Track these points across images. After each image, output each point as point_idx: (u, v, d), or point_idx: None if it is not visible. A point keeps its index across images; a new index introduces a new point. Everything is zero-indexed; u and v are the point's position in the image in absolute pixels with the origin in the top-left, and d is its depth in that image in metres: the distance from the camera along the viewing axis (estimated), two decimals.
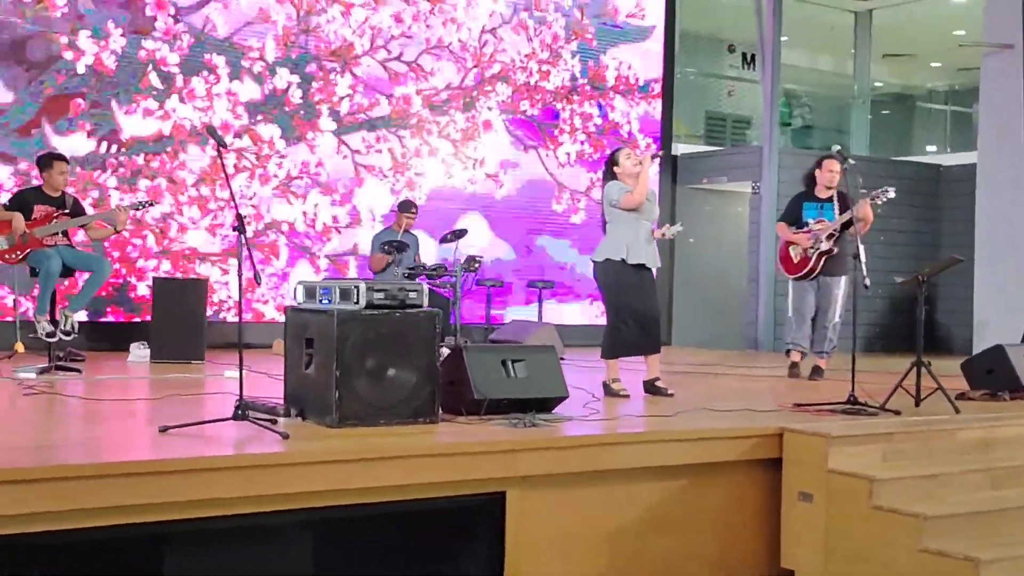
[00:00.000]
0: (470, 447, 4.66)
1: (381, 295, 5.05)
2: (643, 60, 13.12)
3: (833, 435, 5.24)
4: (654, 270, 6.82)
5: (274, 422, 4.85)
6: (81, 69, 9.75)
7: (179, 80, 10.18)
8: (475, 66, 11.84)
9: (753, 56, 15.16)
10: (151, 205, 8.27)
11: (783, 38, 13.64)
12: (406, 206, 9.89)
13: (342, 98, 11.02)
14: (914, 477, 5.24)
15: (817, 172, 8.46)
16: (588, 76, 12.67)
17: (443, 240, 9.56)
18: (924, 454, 5.55)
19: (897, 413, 5.98)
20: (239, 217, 4.79)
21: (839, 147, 6.51)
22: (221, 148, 4.95)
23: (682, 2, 13.76)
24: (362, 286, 5.01)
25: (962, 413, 6.16)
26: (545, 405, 5.58)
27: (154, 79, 10.07)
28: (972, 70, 13.19)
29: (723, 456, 5.32)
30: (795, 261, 8.47)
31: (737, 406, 6.18)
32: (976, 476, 5.44)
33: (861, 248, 6.22)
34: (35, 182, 8.44)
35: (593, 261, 6.90)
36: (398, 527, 4.60)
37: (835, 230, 8.22)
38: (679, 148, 13.97)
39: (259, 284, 4.98)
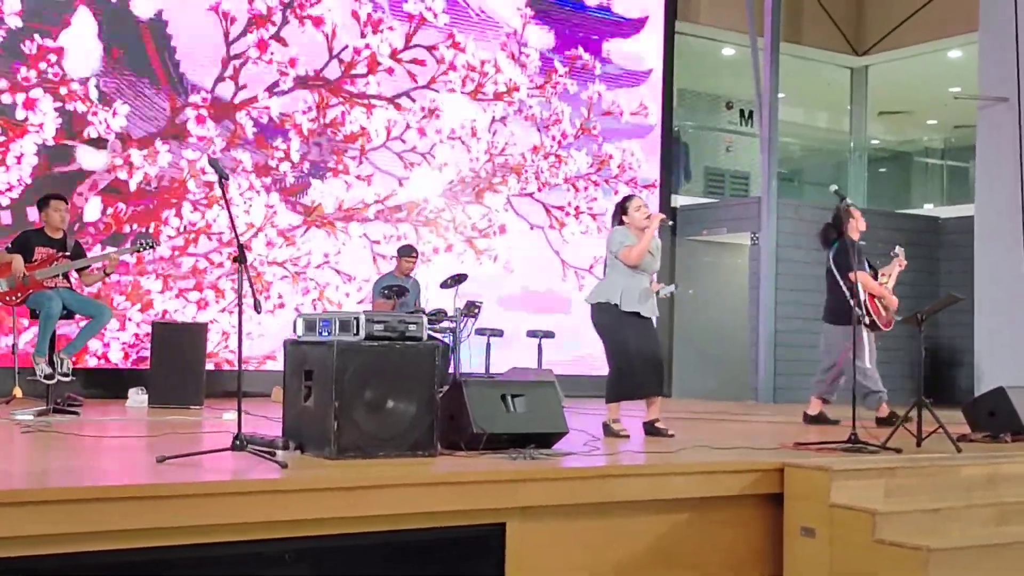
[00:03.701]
0: (469, 476, 4.63)
1: (381, 327, 5.05)
2: (644, 151, 13.30)
3: (835, 469, 5.21)
4: (653, 319, 6.81)
5: (272, 454, 4.82)
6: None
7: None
8: (488, 160, 12.07)
9: (751, 112, 15.30)
10: (152, 247, 8.27)
11: (781, 95, 13.78)
12: (406, 251, 9.89)
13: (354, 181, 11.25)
14: (918, 511, 5.19)
15: (848, 222, 8.15)
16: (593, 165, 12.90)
17: (444, 285, 9.56)
18: (928, 489, 5.50)
19: (898, 451, 5.94)
20: (240, 247, 4.80)
21: (836, 187, 6.54)
22: (223, 180, 4.98)
23: (681, 61, 13.92)
24: (362, 318, 5.01)
25: (964, 452, 6.12)
26: (545, 441, 5.54)
27: (191, 185, 10.33)
28: (968, 127, 13.29)
29: (725, 490, 5.28)
30: (883, 314, 8.25)
31: (738, 445, 6.15)
32: (982, 511, 5.39)
33: (860, 288, 6.22)
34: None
35: (588, 303, 6.89)
36: (396, 558, 4.54)
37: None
38: (679, 200, 14.04)
39: (259, 312, 4.97)
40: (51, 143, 9.69)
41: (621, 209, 6.88)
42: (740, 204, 14.11)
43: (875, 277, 8.33)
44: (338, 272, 11.11)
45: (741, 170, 16.37)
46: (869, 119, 16.58)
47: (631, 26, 13.32)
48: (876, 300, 8.23)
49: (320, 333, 5.15)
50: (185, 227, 10.28)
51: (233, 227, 4.89)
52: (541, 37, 12.54)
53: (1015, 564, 4.97)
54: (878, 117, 17.84)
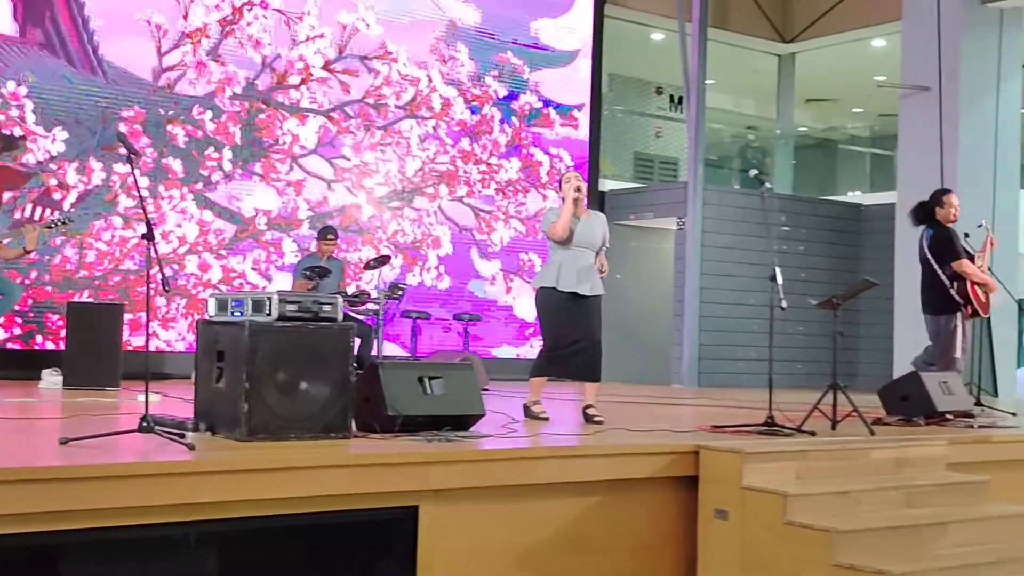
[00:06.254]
0: (381, 458, 4.60)
1: (294, 307, 4.99)
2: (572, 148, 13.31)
3: (748, 452, 5.25)
4: (598, 298, 6.68)
5: (181, 436, 4.74)
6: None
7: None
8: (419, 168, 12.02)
9: (681, 98, 15.38)
10: (66, 223, 8.07)
11: (710, 81, 13.86)
12: (324, 232, 9.77)
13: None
14: (828, 493, 5.26)
15: (938, 209, 8.07)
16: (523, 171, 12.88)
17: (367, 267, 9.48)
18: (838, 472, 5.58)
19: (812, 434, 6.02)
20: (148, 223, 4.71)
21: (756, 171, 6.58)
22: (132, 155, 4.87)
23: (610, 45, 13.92)
24: (275, 297, 4.94)
25: (877, 435, 6.22)
26: (462, 423, 5.52)
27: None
28: (892, 116, 13.49)
29: (639, 473, 5.30)
30: (983, 300, 7.95)
31: (656, 428, 6.18)
32: (890, 494, 5.47)
33: (778, 271, 6.26)
34: None
35: (533, 288, 6.85)
36: (306, 542, 4.50)
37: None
38: (606, 184, 14.08)
39: (166, 291, 4.88)
40: None
41: (558, 185, 6.86)
42: (667, 189, 14.20)
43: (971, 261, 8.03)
44: (270, 281, 11.01)
45: (670, 156, 16.48)
46: (796, 107, 16.75)
47: (560, 7, 13.30)
48: (977, 287, 7.92)
49: (232, 313, 5.07)
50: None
51: (142, 203, 4.79)
52: (470, 15, 12.47)
53: (918, 546, 5.06)
54: (805, 105, 18.06)
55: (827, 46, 15.71)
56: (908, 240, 12.07)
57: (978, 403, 8.02)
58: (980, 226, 8.47)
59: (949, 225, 8.03)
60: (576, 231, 6.60)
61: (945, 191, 8.19)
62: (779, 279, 6.23)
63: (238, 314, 5.02)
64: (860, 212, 14.67)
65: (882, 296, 12.06)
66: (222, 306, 5.16)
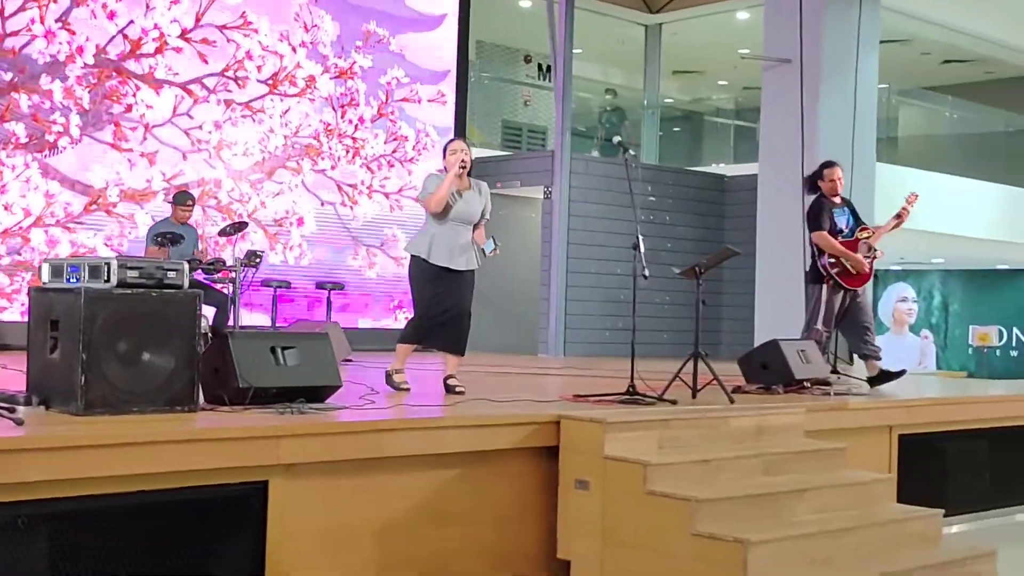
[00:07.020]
0: (227, 432, 4.37)
1: (135, 273, 4.70)
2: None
3: (609, 421, 5.18)
4: (471, 272, 6.49)
5: (12, 410, 4.43)
6: None
7: None
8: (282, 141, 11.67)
9: (550, 67, 15.30)
10: None
11: (578, 50, 13.80)
12: (181, 198, 9.34)
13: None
14: (688, 462, 5.23)
15: (820, 182, 8.02)
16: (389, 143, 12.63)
17: (222, 233, 9.14)
18: (699, 441, 5.56)
19: (674, 403, 6.00)
20: None
21: (619, 138, 6.49)
22: None
23: (479, 11, 13.74)
24: (113, 263, 4.64)
25: (736, 404, 6.23)
26: (317, 394, 5.32)
27: None
28: (756, 89, 13.64)
29: (499, 444, 5.18)
30: (855, 273, 7.83)
31: (518, 398, 6.08)
32: (750, 462, 5.48)
33: (640, 239, 6.21)
34: None
35: (407, 253, 6.63)
36: (146, 522, 4.24)
37: (886, 232, 8.06)
38: (473, 152, 13.86)
39: None
40: None
41: (444, 150, 6.58)
42: (533, 157, 14.13)
43: (849, 232, 7.94)
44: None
45: (539, 125, 16.42)
46: (663, 78, 16.85)
47: None
48: (844, 260, 7.81)
49: (68, 280, 4.75)
50: None
51: None
52: None
53: (775, 513, 5.07)
54: (672, 76, 18.20)
55: (693, 17, 15.83)
56: (770, 211, 12.28)
57: (834, 371, 8.14)
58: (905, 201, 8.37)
59: (832, 197, 8.02)
60: (454, 207, 6.36)
61: (828, 164, 8.18)
62: (642, 247, 6.18)
63: (74, 280, 4.71)
64: (724, 183, 14.84)
65: (745, 266, 12.22)
66: (57, 272, 4.84)
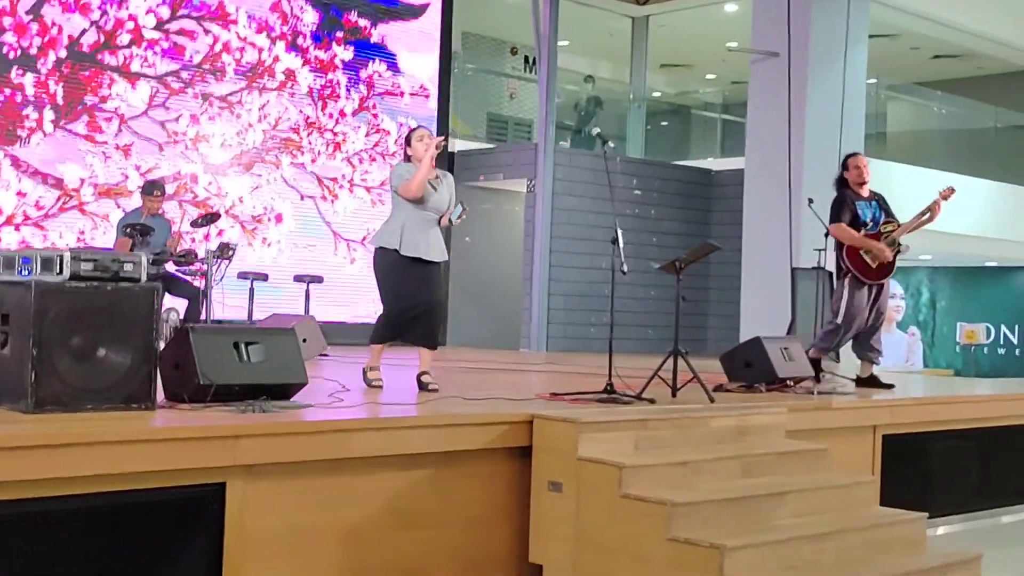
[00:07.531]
0: (183, 432, 4.19)
1: (90, 265, 4.51)
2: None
3: (583, 422, 5.02)
4: (439, 264, 6.38)
5: None
6: None
7: None
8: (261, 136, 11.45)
9: (536, 59, 15.13)
10: None
11: (564, 43, 13.63)
12: (150, 188, 9.10)
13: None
14: (665, 464, 5.06)
15: (846, 173, 7.77)
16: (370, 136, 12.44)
17: (195, 224, 8.93)
18: (677, 442, 5.40)
19: (652, 402, 5.84)
20: None
21: (598, 129, 6.32)
22: None
23: (466, 2, 13.57)
24: (66, 255, 4.46)
25: (717, 403, 6.07)
26: (282, 392, 5.13)
27: None
28: (744, 83, 13.49)
29: (471, 444, 5.01)
30: (874, 266, 7.57)
31: (493, 396, 5.91)
32: (728, 463, 5.31)
33: (619, 233, 6.04)
34: None
35: (371, 246, 6.49)
36: (101, 525, 4.07)
37: (914, 227, 7.67)
38: (456, 145, 13.75)
39: None
40: None
41: (406, 142, 6.48)
42: (517, 150, 13.95)
43: (874, 225, 7.66)
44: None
45: (525, 117, 16.22)
46: (650, 71, 16.67)
47: None
48: (864, 253, 7.56)
49: (20, 272, 4.56)
50: None
51: None
52: None
53: (754, 516, 4.91)
54: (659, 70, 18.02)
55: (681, 9, 15.66)
56: (756, 205, 12.13)
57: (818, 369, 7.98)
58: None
59: (859, 190, 7.74)
60: (430, 197, 6.29)
61: (851, 154, 7.96)
62: (620, 242, 6.01)
63: (26, 272, 4.53)
64: (711, 177, 14.69)
65: (732, 261, 12.08)
66: (8, 264, 4.65)
